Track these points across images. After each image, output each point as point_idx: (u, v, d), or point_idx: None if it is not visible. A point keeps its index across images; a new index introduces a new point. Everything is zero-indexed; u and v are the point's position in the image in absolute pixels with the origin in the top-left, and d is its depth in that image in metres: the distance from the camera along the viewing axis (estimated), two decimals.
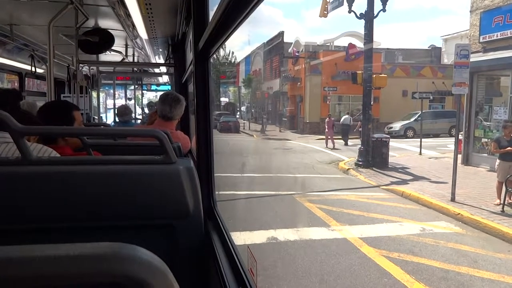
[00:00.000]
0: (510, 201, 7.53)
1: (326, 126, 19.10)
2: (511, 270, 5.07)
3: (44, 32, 3.09)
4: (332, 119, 19.28)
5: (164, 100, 2.93)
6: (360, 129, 17.28)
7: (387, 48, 29.98)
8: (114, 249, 0.49)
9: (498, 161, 7.86)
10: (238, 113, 41.18)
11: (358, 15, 12.75)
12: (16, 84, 6.08)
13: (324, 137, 19.55)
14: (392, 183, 10.04)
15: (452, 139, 11.68)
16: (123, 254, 0.49)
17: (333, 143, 18.28)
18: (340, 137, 19.37)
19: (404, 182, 10.06)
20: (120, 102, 13.32)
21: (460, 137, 10.90)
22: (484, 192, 8.48)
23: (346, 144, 18.95)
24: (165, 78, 11.24)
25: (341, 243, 5.87)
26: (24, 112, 2.04)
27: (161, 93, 4.95)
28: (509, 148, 7.70)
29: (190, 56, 3.49)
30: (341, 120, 19.91)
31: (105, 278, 0.47)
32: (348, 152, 15.67)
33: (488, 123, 12.09)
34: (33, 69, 5.05)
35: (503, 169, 7.61)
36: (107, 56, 6.38)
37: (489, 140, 11.48)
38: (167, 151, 1.30)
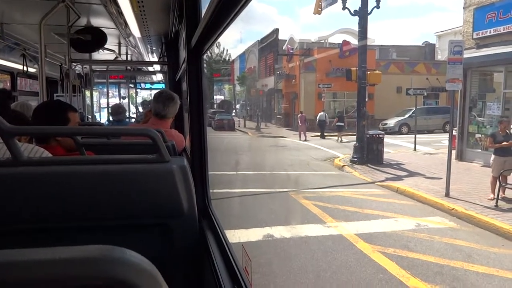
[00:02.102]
0: (503, 195, 7.60)
1: (299, 121, 21.20)
2: (505, 264, 5.11)
3: (35, 31, 3.04)
4: (304, 115, 21.38)
5: (158, 99, 2.91)
6: (338, 124, 19.50)
7: (381, 45, 30.12)
8: (103, 252, 0.48)
9: (493, 156, 7.92)
10: (234, 111, 41.09)
11: (352, 12, 12.77)
12: (8, 84, 6.01)
13: (319, 133, 21.25)
14: (387, 179, 10.09)
15: (446, 135, 11.76)
16: (112, 257, 0.48)
17: (305, 136, 20.46)
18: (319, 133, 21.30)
19: (399, 178, 10.11)
20: (114, 101, 13.28)
21: (454, 133, 10.97)
22: (478, 187, 8.55)
23: (322, 137, 20.91)
24: (159, 77, 11.19)
25: (337, 239, 5.89)
26: (15, 112, 2.02)
27: (155, 91, 4.94)
28: (504, 143, 7.76)
29: (183, 54, 3.46)
30: (318, 117, 21.95)
31: (94, 281, 0.46)
32: (343, 149, 15.71)
33: (481, 118, 12.16)
34: (25, 68, 4.99)
35: (498, 164, 7.67)
36: (100, 55, 6.32)
37: (482, 135, 11.57)
38: (160, 149, 1.28)
